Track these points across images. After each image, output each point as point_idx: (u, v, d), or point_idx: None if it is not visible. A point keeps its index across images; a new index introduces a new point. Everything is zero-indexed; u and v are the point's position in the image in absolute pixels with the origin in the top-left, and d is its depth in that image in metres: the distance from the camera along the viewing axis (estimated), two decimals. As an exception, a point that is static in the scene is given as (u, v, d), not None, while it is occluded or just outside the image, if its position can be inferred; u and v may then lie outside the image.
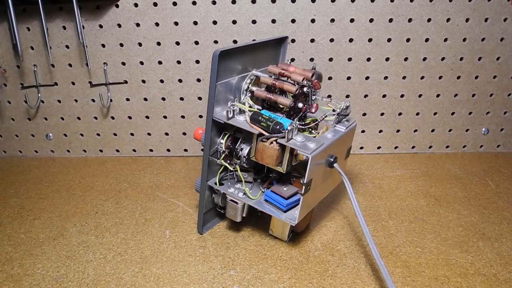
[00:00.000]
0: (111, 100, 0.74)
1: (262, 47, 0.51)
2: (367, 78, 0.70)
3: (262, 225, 0.55)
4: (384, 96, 0.71)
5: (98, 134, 0.77)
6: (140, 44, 0.70)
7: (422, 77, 0.70)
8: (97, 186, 0.68)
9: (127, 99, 0.74)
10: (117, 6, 0.68)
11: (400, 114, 0.73)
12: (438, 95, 0.71)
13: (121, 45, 0.70)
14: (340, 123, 0.51)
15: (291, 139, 0.45)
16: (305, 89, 0.49)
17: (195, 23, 0.68)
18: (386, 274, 0.42)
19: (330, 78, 0.70)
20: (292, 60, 0.69)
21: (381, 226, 0.55)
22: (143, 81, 0.72)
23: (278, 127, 0.45)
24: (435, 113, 0.72)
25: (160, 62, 0.71)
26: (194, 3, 0.67)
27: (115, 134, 0.77)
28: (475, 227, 0.54)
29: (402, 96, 0.71)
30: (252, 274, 0.47)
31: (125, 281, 0.47)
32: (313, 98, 0.50)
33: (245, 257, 0.50)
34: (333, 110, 0.50)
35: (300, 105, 0.48)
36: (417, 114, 0.73)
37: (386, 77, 0.70)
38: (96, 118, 0.76)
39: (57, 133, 0.77)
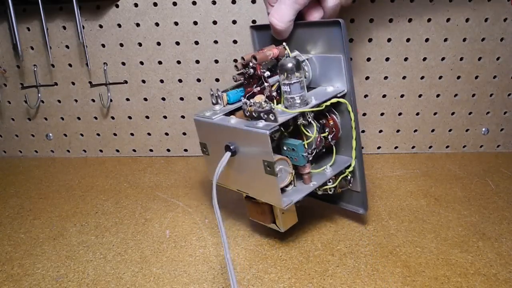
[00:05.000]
0: (111, 100, 0.74)
1: (306, 29, 0.50)
2: (367, 78, 0.70)
3: (262, 225, 0.55)
4: (384, 96, 0.71)
5: (98, 134, 0.77)
6: (140, 44, 0.70)
7: (422, 77, 0.70)
8: (97, 186, 0.68)
9: (127, 99, 0.74)
10: (117, 6, 0.68)
11: (400, 114, 0.73)
12: (438, 95, 0.71)
13: (121, 45, 0.70)
14: (254, 119, 0.46)
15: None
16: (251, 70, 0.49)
17: (195, 23, 0.68)
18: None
19: (330, 78, 0.70)
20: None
21: (381, 226, 0.55)
22: (143, 81, 0.72)
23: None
24: (435, 113, 0.72)
25: (160, 62, 0.71)
26: (194, 3, 0.67)
27: (115, 134, 0.77)
28: (475, 227, 0.54)
29: (402, 96, 0.71)
30: (252, 274, 0.47)
31: (125, 281, 0.47)
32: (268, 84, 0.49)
33: (245, 257, 0.50)
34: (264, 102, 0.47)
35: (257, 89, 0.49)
36: (417, 114, 0.73)
37: (386, 77, 0.70)
38: (96, 118, 0.76)
39: (57, 133, 0.77)
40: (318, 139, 0.48)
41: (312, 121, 0.47)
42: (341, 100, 0.48)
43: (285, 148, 0.48)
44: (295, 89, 0.45)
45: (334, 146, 0.51)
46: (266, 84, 0.49)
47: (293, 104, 0.46)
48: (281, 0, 0.48)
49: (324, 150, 0.51)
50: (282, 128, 0.48)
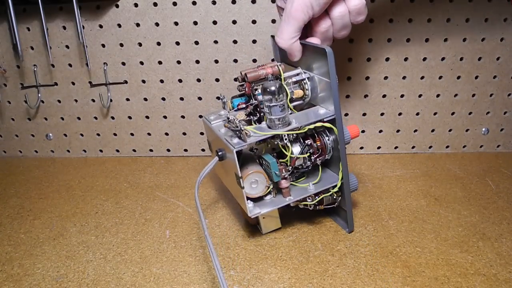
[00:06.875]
0: (111, 100, 0.74)
1: (307, 49, 0.51)
2: (367, 78, 0.70)
3: (262, 225, 0.55)
4: (384, 96, 0.71)
5: (98, 134, 0.77)
6: (140, 44, 0.70)
7: (422, 77, 0.70)
8: (97, 186, 0.68)
9: (127, 99, 0.74)
10: (117, 6, 0.68)
11: (400, 114, 0.73)
12: (438, 95, 0.71)
13: (121, 45, 0.70)
14: (231, 131, 0.48)
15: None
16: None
17: (195, 23, 0.68)
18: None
19: (330, 78, 0.70)
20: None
21: (381, 226, 0.55)
22: (143, 81, 0.72)
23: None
24: (435, 113, 0.72)
25: (160, 62, 0.71)
26: (194, 3, 0.67)
27: (115, 134, 0.77)
28: (475, 227, 0.54)
29: (402, 96, 0.71)
30: (252, 274, 0.47)
31: (125, 281, 0.47)
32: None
33: (245, 257, 0.50)
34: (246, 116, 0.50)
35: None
36: (417, 114, 0.73)
37: (386, 77, 0.70)
38: (96, 118, 0.76)
39: (57, 133, 0.77)
40: (295, 159, 0.49)
41: (288, 143, 0.48)
42: (325, 124, 0.48)
43: (263, 162, 0.50)
44: (275, 112, 0.46)
45: (320, 166, 0.52)
46: (253, 101, 0.50)
47: (274, 124, 0.47)
48: (282, 18, 0.49)
49: (310, 167, 0.51)
50: (268, 144, 0.50)
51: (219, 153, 0.49)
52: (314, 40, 0.51)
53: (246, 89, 0.50)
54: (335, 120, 0.48)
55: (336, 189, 0.51)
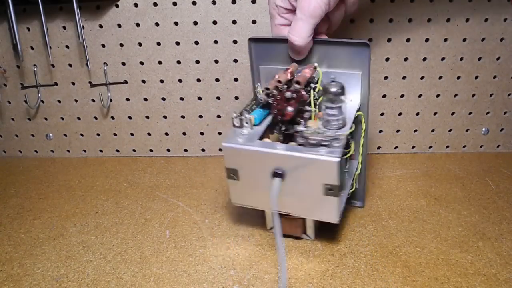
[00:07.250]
0: (111, 100, 0.74)
1: (320, 46, 0.51)
2: (367, 78, 0.70)
3: (262, 225, 0.55)
4: (384, 96, 0.71)
5: (98, 134, 0.77)
6: (140, 44, 0.70)
7: (422, 77, 0.70)
8: (97, 186, 0.68)
9: (127, 99, 0.74)
10: (117, 6, 0.68)
11: (400, 114, 0.73)
12: (438, 95, 0.71)
13: (121, 45, 0.70)
14: (310, 146, 0.46)
15: None
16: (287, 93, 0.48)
17: (195, 23, 0.68)
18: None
19: (330, 78, 0.70)
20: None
21: (381, 226, 0.55)
22: (143, 81, 0.72)
23: None
24: (435, 113, 0.72)
25: (160, 62, 0.71)
26: (194, 3, 0.67)
27: (115, 134, 0.77)
28: (475, 227, 0.54)
29: (402, 96, 0.71)
30: (252, 274, 0.47)
31: (125, 281, 0.47)
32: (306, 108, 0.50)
33: (245, 257, 0.50)
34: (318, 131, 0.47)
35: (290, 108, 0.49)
36: (417, 114, 0.73)
37: (386, 77, 0.70)
38: (96, 118, 0.76)
39: (57, 133, 0.77)
40: (353, 154, 0.52)
41: (350, 139, 0.50)
42: (359, 113, 0.51)
43: None
44: (341, 112, 0.48)
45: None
46: (313, 108, 0.49)
47: (331, 125, 0.47)
48: (297, 17, 0.48)
49: None
50: None
51: (279, 173, 0.46)
52: (322, 37, 0.52)
53: (304, 95, 0.48)
54: (361, 108, 0.52)
55: (358, 171, 0.54)
